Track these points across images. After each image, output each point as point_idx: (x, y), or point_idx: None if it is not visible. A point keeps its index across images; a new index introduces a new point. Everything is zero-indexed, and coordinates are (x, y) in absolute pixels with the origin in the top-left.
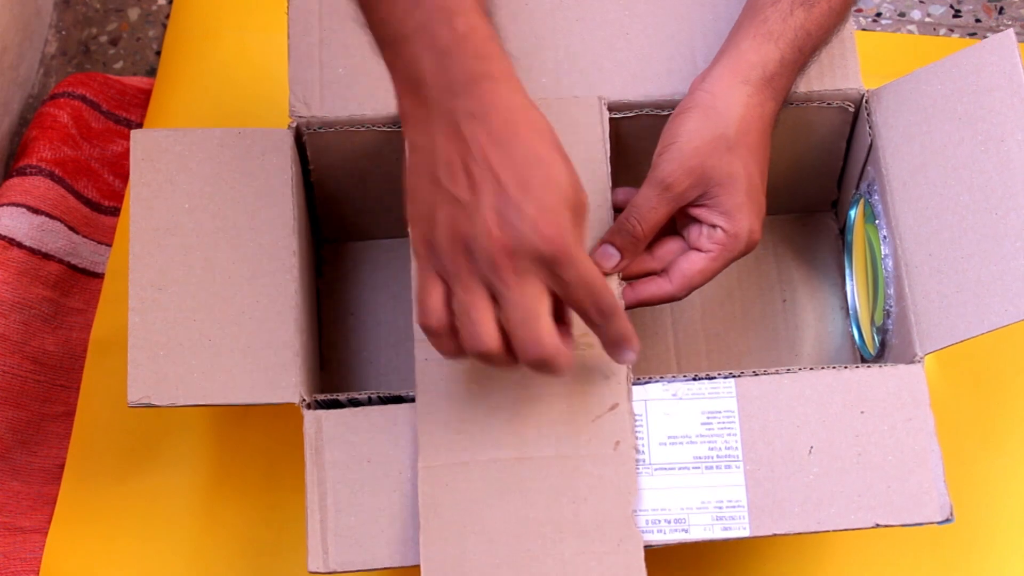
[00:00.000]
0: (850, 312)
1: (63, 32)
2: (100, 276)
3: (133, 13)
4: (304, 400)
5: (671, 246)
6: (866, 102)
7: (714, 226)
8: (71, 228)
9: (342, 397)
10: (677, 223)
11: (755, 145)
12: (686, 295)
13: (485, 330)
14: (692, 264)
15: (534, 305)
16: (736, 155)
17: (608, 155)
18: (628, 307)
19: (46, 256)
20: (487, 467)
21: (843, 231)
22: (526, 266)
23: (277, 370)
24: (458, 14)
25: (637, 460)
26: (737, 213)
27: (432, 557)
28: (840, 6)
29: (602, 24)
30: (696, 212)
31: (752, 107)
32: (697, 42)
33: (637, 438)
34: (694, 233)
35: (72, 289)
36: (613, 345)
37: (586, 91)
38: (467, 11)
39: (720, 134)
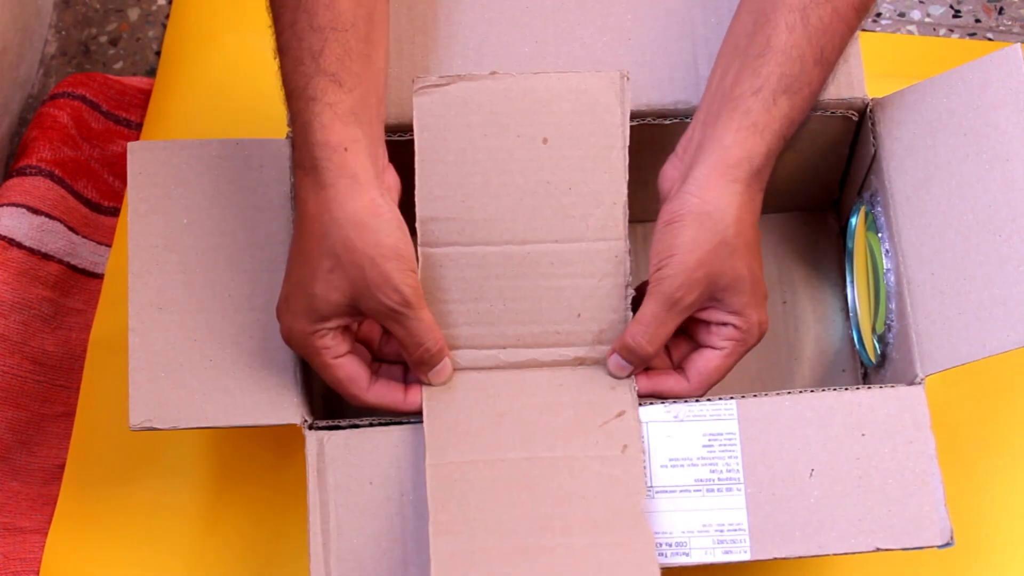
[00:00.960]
0: (851, 317)
1: (63, 32)
2: (100, 276)
3: (133, 13)
4: (306, 421)
5: (680, 342)
6: (870, 111)
7: (724, 324)
8: (71, 228)
9: (343, 423)
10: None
11: (752, 240)
12: (704, 392)
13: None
14: (708, 362)
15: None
16: (738, 257)
17: (627, 142)
18: (642, 396)
19: (46, 256)
20: (495, 465)
21: (843, 232)
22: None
23: (279, 390)
24: (302, 99)
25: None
26: (747, 311)
27: (441, 549)
28: (819, 88)
29: (604, 30)
30: (703, 315)
31: (744, 204)
32: (699, 49)
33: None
34: (702, 332)
35: (72, 289)
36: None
37: None
38: (312, 100)
39: (720, 240)
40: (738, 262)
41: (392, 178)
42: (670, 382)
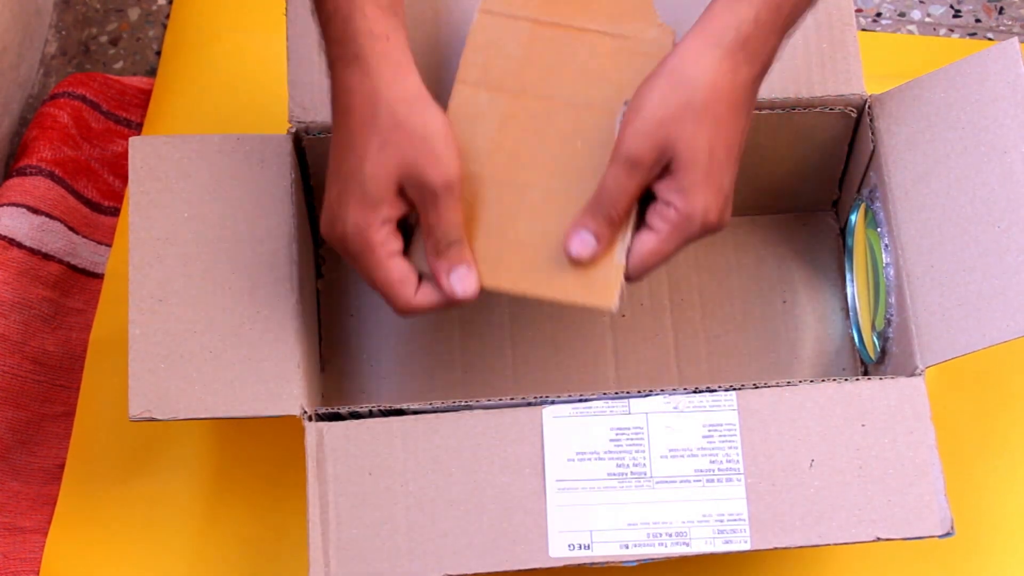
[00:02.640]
0: (850, 316)
1: (63, 32)
2: (100, 276)
3: (133, 13)
4: (305, 412)
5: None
6: (868, 107)
7: (668, 204)
8: (71, 228)
9: (343, 410)
10: None
11: (724, 116)
12: (640, 277)
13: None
14: (643, 245)
15: (371, 282)
16: (701, 127)
17: None
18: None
19: (46, 256)
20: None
21: (843, 231)
22: (338, 245)
23: (278, 382)
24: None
25: (640, 474)
26: (693, 191)
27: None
28: None
29: None
30: (656, 186)
31: (723, 73)
32: None
33: (639, 451)
34: (650, 210)
35: (72, 289)
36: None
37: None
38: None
39: (686, 102)
40: (700, 131)
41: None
42: None
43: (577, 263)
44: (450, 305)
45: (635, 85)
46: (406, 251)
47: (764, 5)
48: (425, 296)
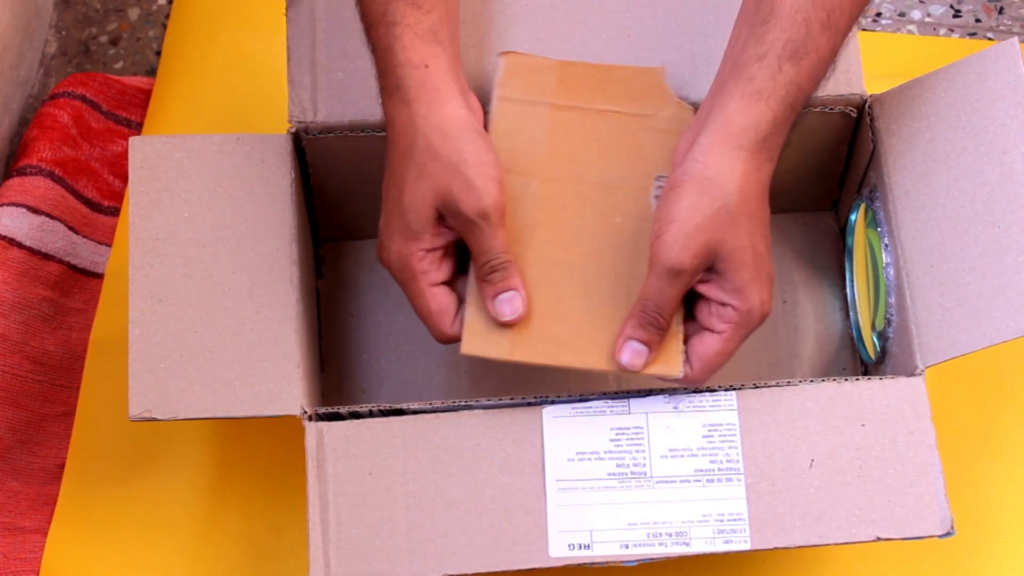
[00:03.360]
0: (850, 316)
1: (63, 32)
2: (100, 276)
3: (133, 13)
4: (305, 412)
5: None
6: (868, 107)
7: (724, 304)
8: (71, 228)
9: (343, 410)
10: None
11: (756, 212)
12: (707, 379)
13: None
14: (708, 348)
15: (412, 305)
16: (739, 227)
17: None
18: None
19: (46, 256)
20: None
21: (843, 231)
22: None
23: (278, 382)
24: (382, 25)
25: (639, 474)
26: (747, 289)
27: None
28: (829, 55)
29: (603, 26)
30: (703, 289)
31: (749, 173)
32: (698, 47)
33: (639, 451)
34: (703, 312)
35: (72, 289)
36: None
37: None
38: (392, 24)
39: (720, 207)
40: (739, 231)
41: (474, 102)
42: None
43: (628, 370)
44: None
45: (662, 161)
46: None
47: (780, 105)
48: (460, 326)
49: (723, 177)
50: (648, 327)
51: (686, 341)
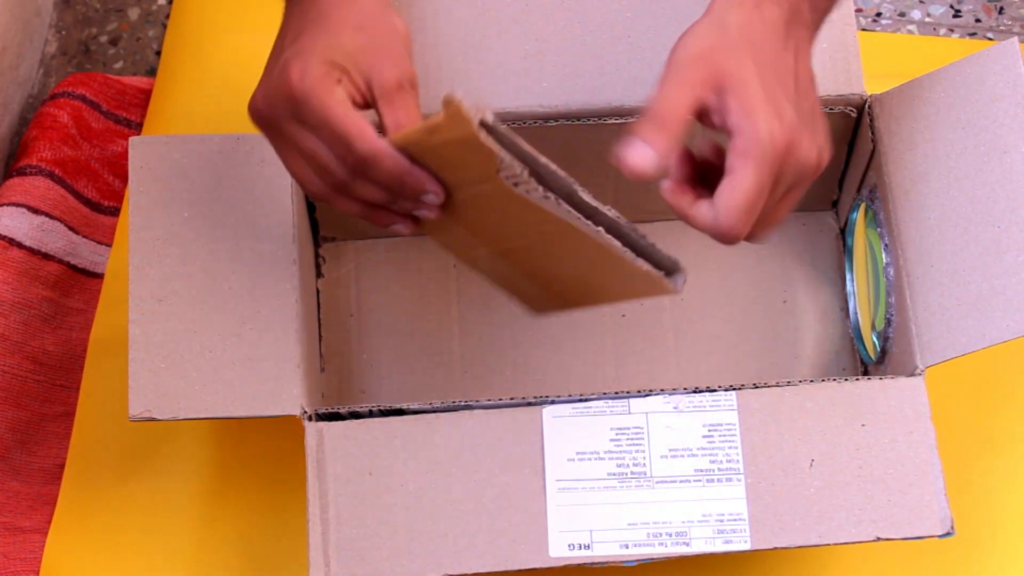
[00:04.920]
0: (850, 316)
1: (63, 32)
2: (100, 276)
3: (133, 13)
4: (305, 412)
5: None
6: (868, 107)
7: (731, 133)
8: (71, 228)
9: (343, 410)
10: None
11: (761, 45)
12: (738, 225)
13: (305, 179)
14: (723, 191)
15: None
16: (741, 53)
17: None
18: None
19: (46, 256)
20: None
21: (843, 231)
22: (285, 116)
23: (278, 382)
24: None
25: (639, 474)
26: (750, 114)
27: None
28: None
29: (603, 28)
30: (716, 121)
31: (748, 11)
32: None
33: (638, 451)
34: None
35: (72, 289)
36: (402, 198)
37: (587, 96)
38: None
39: (720, 35)
40: (743, 57)
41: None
42: (702, 208)
43: (629, 169)
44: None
45: None
46: None
47: None
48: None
49: (722, 15)
50: (650, 125)
51: None
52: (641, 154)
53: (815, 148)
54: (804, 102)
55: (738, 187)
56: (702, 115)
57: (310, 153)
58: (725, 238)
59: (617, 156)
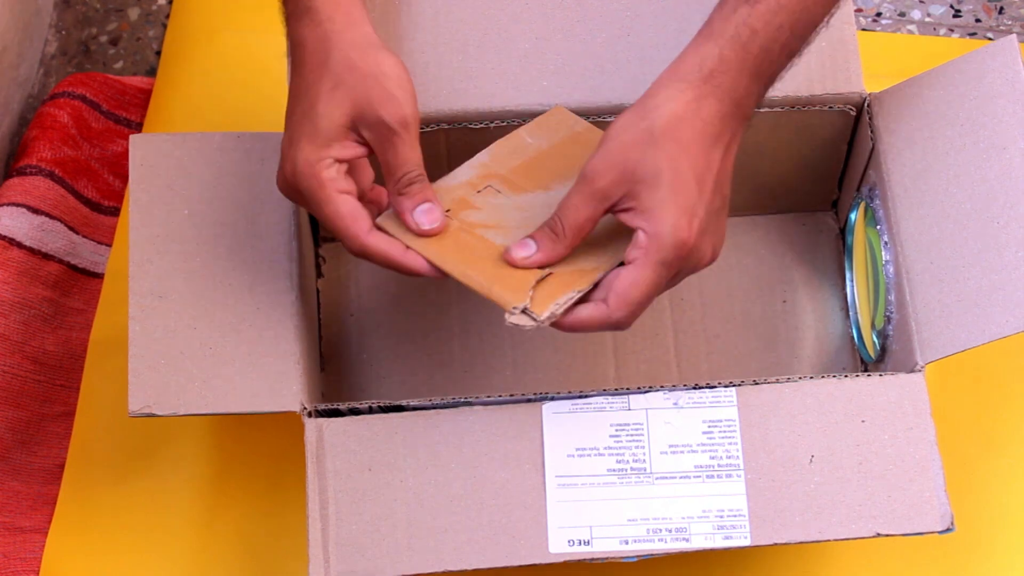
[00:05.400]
0: (850, 315)
1: (63, 32)
2: (100, 276)
3: (133, 13)
4: (305, 408)
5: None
6: (868, 106)
7: (636, 228)
8: (71, 228)
9: (343, 407)
10: None
11: (688, 142)
12: (628, 317)
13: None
14: (622, 279)
15: (322, 219)
16: (661, 150)
17: None
18: (564, 328)
19: (46, 256)
20: None
21: (843, 231)
22: (291, 192)
23: (278, 378)
24: None
25: (639, 470)
26: (658, 211)
27: None
28: (793, 3)
29: (603, 27)
30: (623, 217)
31: (685, 103)
32: None
33: (638, 447)
34: (626, 248)
35: (72, 289)
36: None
37: (586, 94)
38: None
39: (646, 128)
40: (660, 154)
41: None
42: (586, 309)
43: (510, 263)
44: (403, 265)
45: None
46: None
47: (729, 44)
48: (377, 240)
49: (657, 104)
50: (545, 229)
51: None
52: (523, 247)
53: (711, 247)
54: (716, 199)
55: (638, 282)
56: (611, 210)
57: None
58: (615, 328)
59: (507, 251)
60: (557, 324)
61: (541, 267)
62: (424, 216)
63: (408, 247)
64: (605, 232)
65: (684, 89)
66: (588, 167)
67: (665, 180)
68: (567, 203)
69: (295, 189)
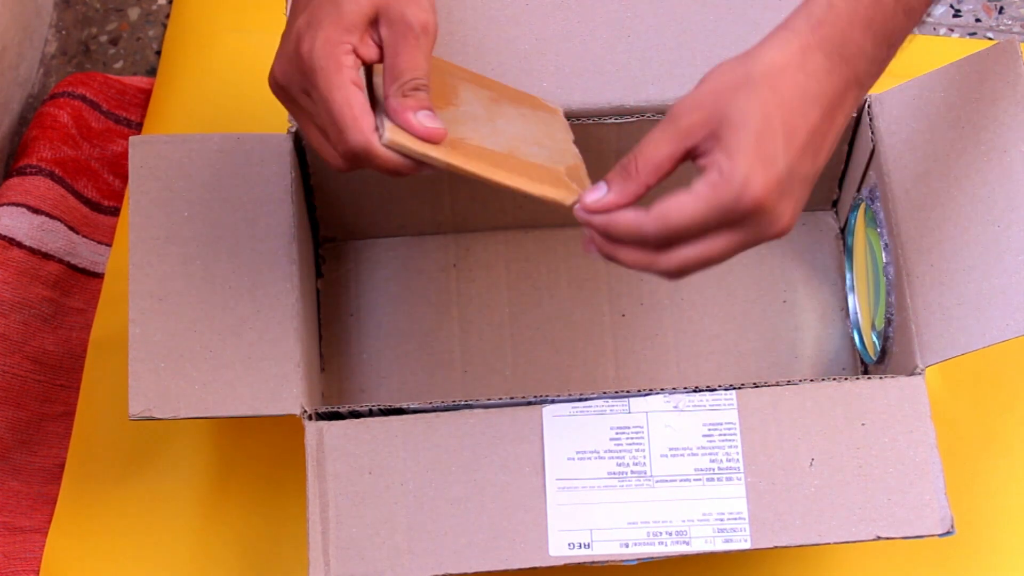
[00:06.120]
0: (850, 316)
1: (63, 32)
2: (100, 276)
3: (133, 13)
4: (305, 411)
5: None
6: (868, 107)
7: (709, 165)
8: (71, 228)
9: (343, 409)
10: None
11: (786, 93)
12: (659, 234)
13: (317, 147)
14: (674, 198)
15: (327, 103)
16: (755, 95)
17: None
18: (589, 226)
19: (46, 256)
20: None
21: (843, 231)
22: (298, 90)
23: (278, 381)
24: None
25: (640, 473)
26: (737, 154)
27: None
28: None
29: (603, 26)
30: (702, 162)
31: (791, 53)
32: (699, 45)
33: (639, 450)
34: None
35: (72, 289)
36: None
37: (586, 95)
38: None
39: (744, 73)
40: (753, 97)
41: None
42: (623, 212)
43: (584, 208)
44: (405, 166)
45: None
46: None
47: None
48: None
49: (762, 51)
50: (619, 170)
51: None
52: (595, 190)
53: (789, 213)
54: (805, 163)
55: (685, 208)
56: (692, 153)
57: (321, 127)
58: (642, 243)
59: (581, 197)
60: (588, 216)
61: (613, 209)
62: (428, 120)
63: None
64: None
65: (790, 39)
66: (676, 106)
67: (752, 126)
68: (649, 139)
69: (306, 68)
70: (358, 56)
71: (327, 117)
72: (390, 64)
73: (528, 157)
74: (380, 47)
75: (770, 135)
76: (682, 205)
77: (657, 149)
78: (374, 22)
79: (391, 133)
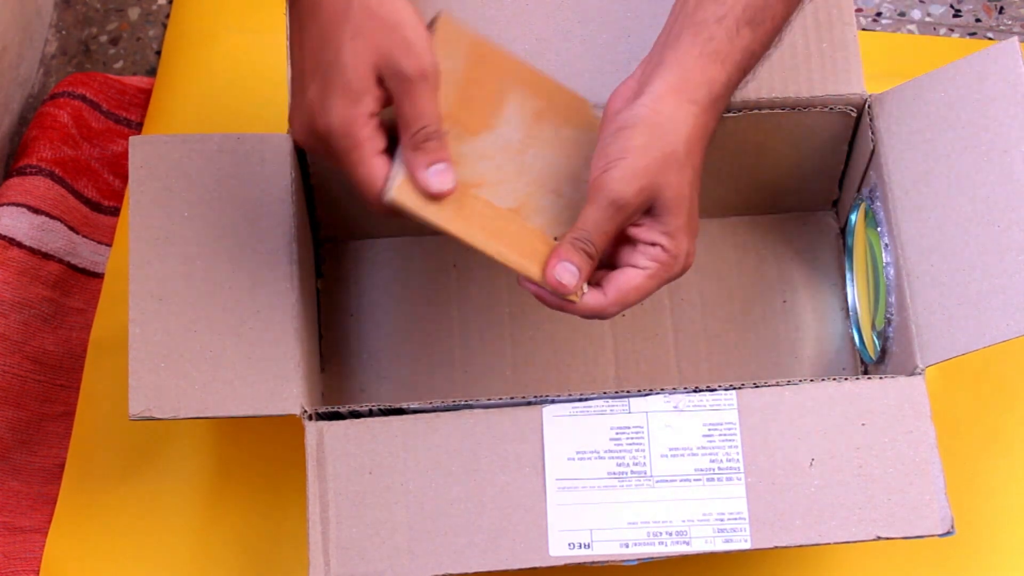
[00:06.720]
0: (850, 316)
1: (63, 32)
2: (100, 276)
3: (133, 13)
4: (305, 411)
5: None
6: (868, 107)
7: (653, 244)
8: (71, 228)
9: (343, 410)
10: None
11: (698, 167)
12: (617, 313)
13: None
14: (629, 280)
15: (351, 175)
16: (684, 175)
17: None
18: (554, 307)
19: (46, 256)
20: None
21: (843, 231)
22: (324, 155)
23: (278, 381)
24: None
25: (640, 473)
26: (679, 234)
27: None
28: (782, 23)
29: (603, 27)
30: (635, 232)
31: (698, 127)
32: None
33: (639, 450)
34: (626, 252)
35: (72, 289)
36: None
37: (586, 95)
38: None
39: (671, 152)
40: (683, 180)
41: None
42: (586, 297)
43: (556, 289)
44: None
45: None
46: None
47: (735, 69)
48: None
49: (675, 125)
50: (581, 254)
51: (603, 279)
52: (571, 275)
53: (693, 255)
54: (696, 205)
55: (640, 285)
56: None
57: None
58: (599, 317)
59: (546, 273)
60: (560, 303)
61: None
62: (436, 177)
63: (422, 218)
64: None
65: (697, 113)
66: (613, 188)
67: (686, 206)
68: (595, 229)
69: (327, 145)
70: (374, 113)
71: (349, 177)
72: (398, 115)
73: (531, 217)
74: (388, 94)
75: (694, 209)
76: (639, 286)
77: (607, 233)
78: (378, 77)
79: (396, 193)
